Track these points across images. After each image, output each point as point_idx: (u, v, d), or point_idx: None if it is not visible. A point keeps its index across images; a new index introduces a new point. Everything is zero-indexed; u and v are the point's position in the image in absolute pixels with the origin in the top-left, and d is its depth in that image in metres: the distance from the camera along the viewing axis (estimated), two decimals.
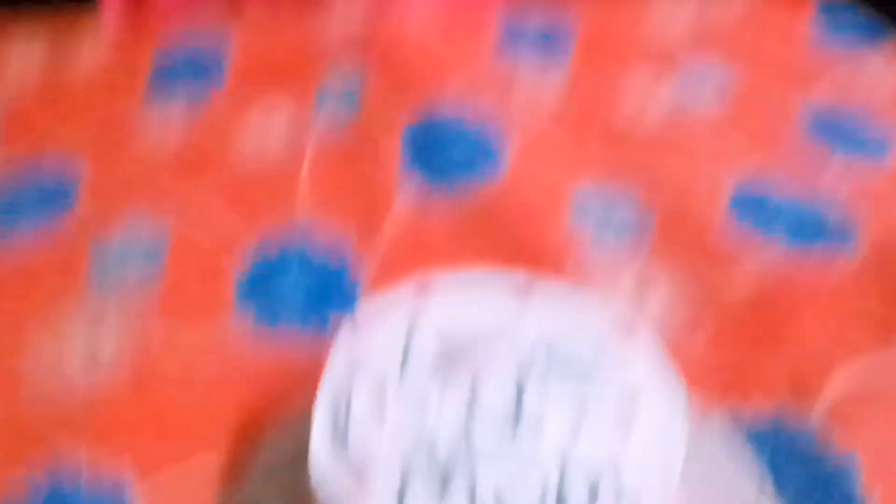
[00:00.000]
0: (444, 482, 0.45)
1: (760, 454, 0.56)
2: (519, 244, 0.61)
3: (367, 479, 0.45)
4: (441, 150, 0.77)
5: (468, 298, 0.54)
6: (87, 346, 0.63)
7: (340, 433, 0.47)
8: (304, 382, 0.58)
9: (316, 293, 0.66)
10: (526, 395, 0.48)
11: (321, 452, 0.47)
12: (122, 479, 0.55)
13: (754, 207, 0.72)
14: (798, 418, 0.57)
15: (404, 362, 0.50)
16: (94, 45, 0.91)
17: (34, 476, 0.55)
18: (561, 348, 0.51)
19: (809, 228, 0.70)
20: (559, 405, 0.48)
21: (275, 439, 0.58)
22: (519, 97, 0.84)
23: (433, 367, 0.50)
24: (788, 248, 0.69)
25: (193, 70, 0.88)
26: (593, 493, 0.44)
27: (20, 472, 0.56)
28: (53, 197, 0.74)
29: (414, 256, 0.62)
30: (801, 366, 0.60)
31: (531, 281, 0.56)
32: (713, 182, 0.74)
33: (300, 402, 0.57)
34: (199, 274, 0.68)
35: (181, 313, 0.65)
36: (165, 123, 0.82)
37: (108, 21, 0.92)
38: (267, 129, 0.81)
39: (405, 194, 0.72)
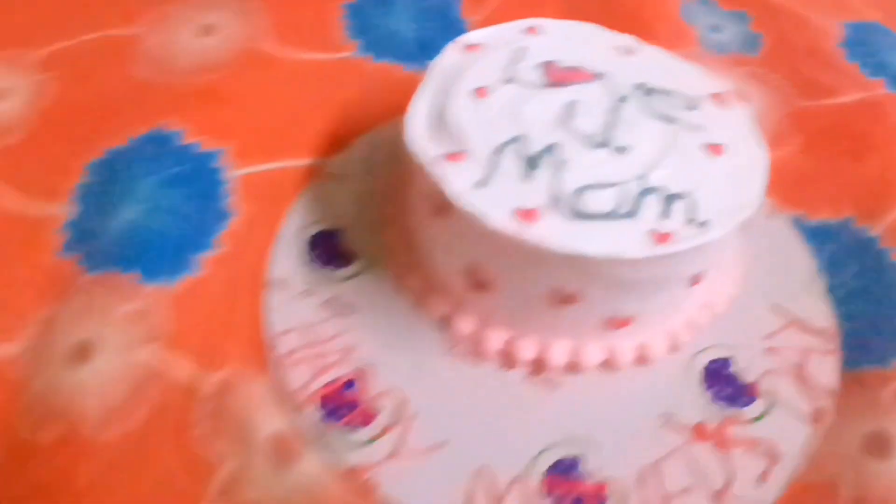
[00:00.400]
0: (530, 168, 0.47)
1: (822, 251, 0.58)
2: (630, 23, 0.62)
3: (459, 154, 0.48)
4: None
5: (574, 42, 0.56)
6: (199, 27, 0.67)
7: (437, 121, 0.50)
8: (397, 111, 0.62)
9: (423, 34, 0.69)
10: (618, 124, 0.50)
11: (417, 130, 0.50)
12: (218, 162, 0.59)
13: (864, 53, 0.72)
14: (864, 226, 0.59)
15: (506, 78, 0.53)
16: None
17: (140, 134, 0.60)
18: (657, 95, 0.53)
19: None
20: (647, 139, 0.50)
21: (361, 146, 0.62)
22: None
23: (534, 86, 0.52)
24: (888, 94, 0.69)
25: None
26: (666, 210, 0.47)
27: (126, 135, 0.60)
28: None
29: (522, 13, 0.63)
30: (877, 187, 0.61)
31: (637, 42, 0.57)
32: (827, 22, 0.74)
33: (390, 124, 0.61)
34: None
35: (292, 34, 0.68)
36: None
37: None
38: None
39: None
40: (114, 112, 0.61)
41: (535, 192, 0.46)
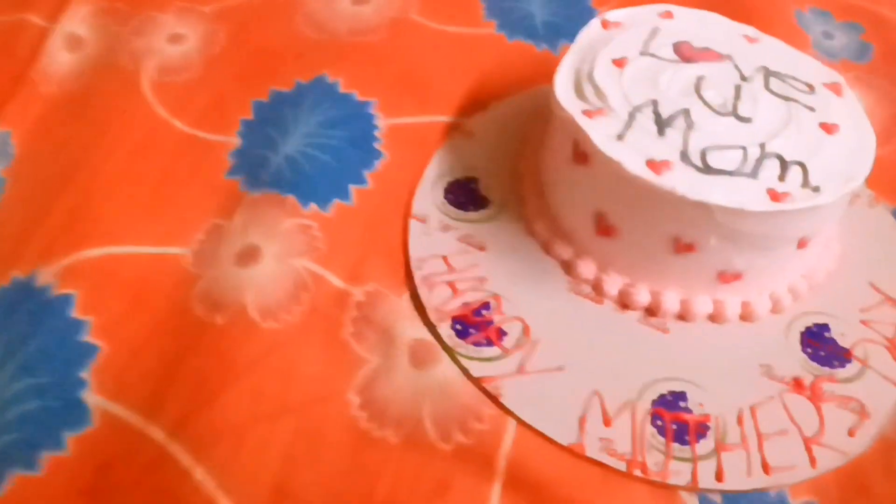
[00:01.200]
0: (663, 128, 0.53)
1: None
2: (748, 21, 0.67)
3: (600, 111, 0.54)
4: None
5: (703, 27, 0.62)
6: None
7: (580, 83, 0.56)
8: (528, 83, 0.68)
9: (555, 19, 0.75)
10: (742, 99, 0.56)
11: (563, 88, 0.56)
12: (371, 111, 0.66)
13: None
14: None
15: (642, 52, 0.59)
16: None
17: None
18: (778, 78, 0.58)
19: None
20: (768, 113, 0.55)
21: (496, 109, 0.68)
22: None
23: (667, 61, 0.58)
24: None
25: None
26: (783, 174, 0.52)
27: (292, 80, 0.67)
28: None
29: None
30: None
31: (759, 33, 0.63)
32: None
33: (524, 94, 0.67)
34: None
35: (437, 9, 0.75)
36: None
37: None
38: None
39: None
40: (279, 61, 0.69)
41: (666, 147, 0.52)
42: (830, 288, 0.59)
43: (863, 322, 0.58)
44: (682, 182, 0.50)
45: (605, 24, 0.61)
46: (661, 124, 0.53)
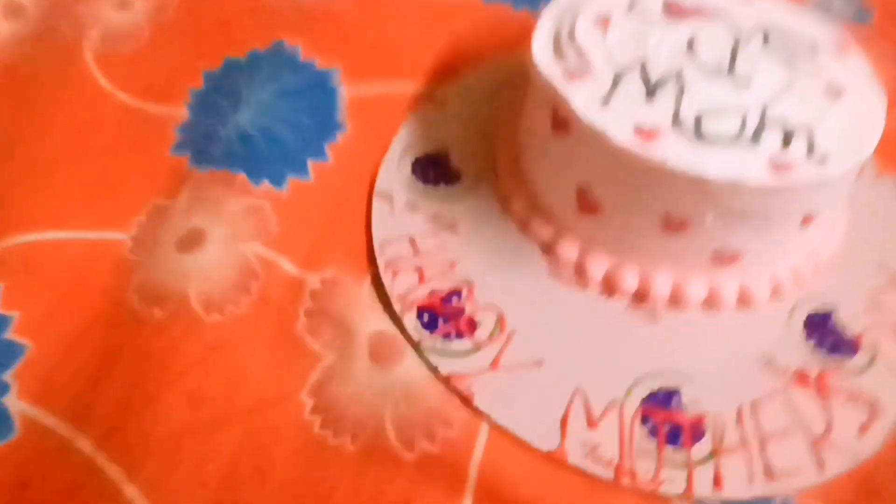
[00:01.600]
0: (652, 91, 0.47)
1: None
2: None
3: (583, 74, 0.48)
4: None
5: None
6: None
7: (561, 44, 0.50)
8: (505, 48, 0.62)
9: None
10: (739, 58, 0.50)
11: (541, 50, 0.50)
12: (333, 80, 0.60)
13: None
14: None
15: (629, 10, 0.53)
16: None
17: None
18: (779, 36, 0.52)
19: None
20: (768, 75, 0.49)
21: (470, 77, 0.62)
22: None
23: (655, 19, 0.52)
24: None
25: None
26: (787, 140, 0.46)
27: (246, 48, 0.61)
28: None
29: None
30: None
31: None
32: None
33: (499, 60, 0.61)
34: None
35: None
36: None
37: None
38: None
39: None
40: (234, 27, 0.63)
41: (656, 113, 0.46)
42: (835, 269, 0.53)
43: (872, 305, 0.52)
44: (674, 152, 0.44)
45: None
46: (651, 88, 0.48)
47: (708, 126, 0.46)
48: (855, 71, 0.51)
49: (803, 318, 0.52)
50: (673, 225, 0.47)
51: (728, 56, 0.50)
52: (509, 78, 0.59)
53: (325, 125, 0.57)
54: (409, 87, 0.61)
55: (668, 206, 0.47)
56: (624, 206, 0.48)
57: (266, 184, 0.54)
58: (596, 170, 0.48)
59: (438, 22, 0.65)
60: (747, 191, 0.45)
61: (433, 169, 0.56)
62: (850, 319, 0.51)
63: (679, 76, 0.48)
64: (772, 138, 0.46)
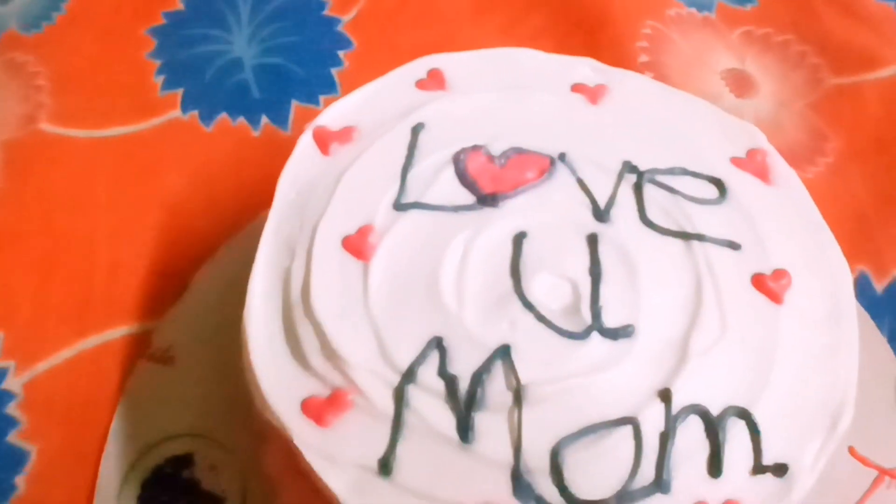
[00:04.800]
0: (466, 421, 0.26)
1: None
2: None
3: (340, 399, 0.27)
4: None
5: (501, 97, 0.34)
6: None
7: (290, 320, 0.29)
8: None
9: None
10: (604, 274, 0.29)
11: (260, 343, 0.28)
12: None
13: None
14: None
15: (399, 201, 0.31)
16: None
17: None
18: (657, 182, 0.31)
19: None
20: (657, 292, 0.29)
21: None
22: None
23: (449, 208, 0.30)
24: None
25: None
26: (716, 458, 0.26)
27: None
28: None
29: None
30: None
31: (603, 71, 0.35)
32: None
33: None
34: None
35: None
36: None
37: None
38: None
39: None
40: None
41: (479, 470, 0.26)
42: None
43: None
44: None
45: (320, 140, 0.33)
46: (462, 408, 0.27)
47: (575, 479, 0.25)
48: (789, 218, 0.31)
49: None
50: None
51: (584, 271, 0.29)
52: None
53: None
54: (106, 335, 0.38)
55: None
56: None
57: None
58: None
59: None
60: None
61: (172, 498, 0.35)
62: None
63: (507, 360, 0.27)
64: (689, 459, 0.26)
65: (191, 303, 0.40)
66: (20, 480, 0.36)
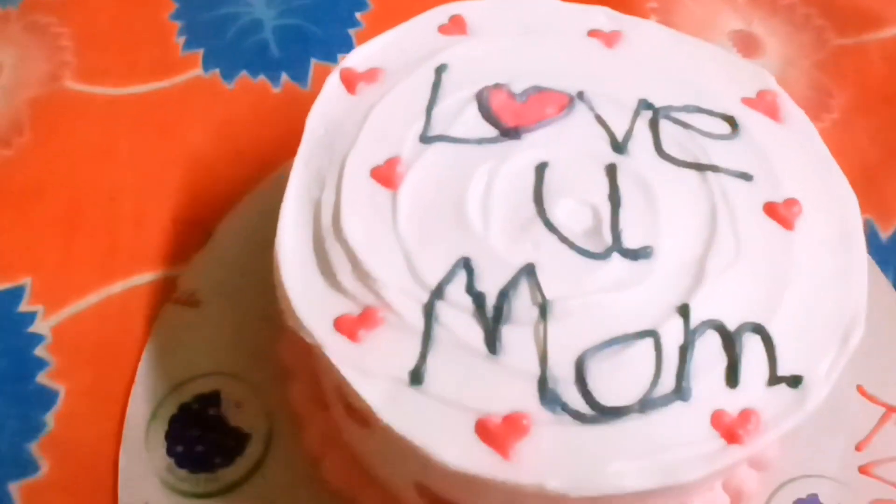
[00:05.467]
0: (494, 333, 0.27)
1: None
2: None
3: (370, 316, 0.28)
4: None
5: (519, 38, 0.35)
6: None
7: (321, 242, 0.30)
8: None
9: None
10: (623, 200, 0.30)
11: (291, 262, 0.29)
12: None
13: None
14: None
15: (426, 134, 0.32)
16: None
17: None
18: (673, 118, 0.32)
19: None
20: (674, 217, 0.30)
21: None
22: None
23: (473, 140, 0.31)
24: None
25: None
26: (734, 368, 0.27)
27: None
28: None
29: None
30: None
31: (617, 19, 0.36)
32: None
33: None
34: None
35: None
36: None
37: None
38: None
39: None
40: None
41: (508, 378, 0.27)
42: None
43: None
44: (548, 458, 0.26)
45: (347, 80, 0.34)
46: (490, 322, 0.28)
47: (599, 385, 0.27)
48: (798, 151, 0.32)
49: None
50: None
51: (605, 198, 0.30)
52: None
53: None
54: (135, 280, 0.39)
55: None
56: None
57: None
58: (433, 474, 0.28)
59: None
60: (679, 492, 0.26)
61: (201, 434, 0.36)
62: None
63: (532, 279, 0.28)
64: (708, 370, 0.27)
65: (215, 250, 0.41)
66: (49, 418, 0.37)
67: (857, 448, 0.36)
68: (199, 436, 0.36)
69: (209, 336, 0.38)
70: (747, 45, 0.47)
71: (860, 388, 0.38)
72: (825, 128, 0.44)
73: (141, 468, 0.35)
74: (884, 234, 0.42)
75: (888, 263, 0.41)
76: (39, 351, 0.38)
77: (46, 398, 0.37)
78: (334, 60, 0.47)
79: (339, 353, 0.28)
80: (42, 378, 0.38)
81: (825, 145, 0.33)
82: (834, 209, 0.31)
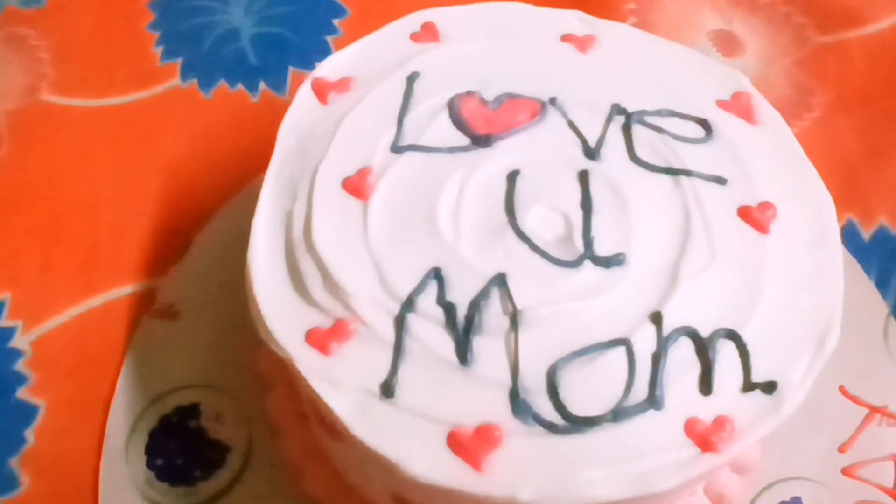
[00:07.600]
0: (465, 342, 0.27)
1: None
2: None
3: (342, 329, 0.28)
4: None
5: (490, 44, 0.35)
6: None
7: (293, 256, 0.30)
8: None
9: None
10: (595, 206, 0.30)
11: (263, 277, 0.29)
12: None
13: None
14: None
15: (397, 144, 0.32)
16: None
17: None
18: (645, 123, 0.32)
19: None
20: (646, 224, 0.30)
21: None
22: None
23: (444, 149, 0.31)
24: None
25: None
26: (707, 374, 0.27)
27: None
28: None
29: None
30: None
31: (590, 22, 0.36)
32: None
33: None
34: None
35: None
36: None
37: None
38: None
39: None
40: None
41: (478, 391, 0.27)
42: None
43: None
44: (527, 475, 0.25)
45: (319, 90, 0.34)
46: (461, 333, 0.28)
47: (571, 394, 0.26)
48: (773, 155, 0.32)
49: None
50: None
51: (577, 204, 0.30)
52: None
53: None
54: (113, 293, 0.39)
55: None
56: None
57: None
58: (405, 485, 0.28)
59: None
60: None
61: (180, 447, 0.36)
62: None
63: (503, 287, 0.28)
64: (682, 376, 0.27)
65: (193, 260, 0.41)
66: (30, 433, 0.37)
67: (840, 450, 0.36)
68: (178, 448, 0.36)
69: (188, 348, 0.38)
70: (727, 44, 0.47)
71: (842, 389, 0.37)
72: (806, 126, 0.44)
73: (121, 482, 0.35)
74: (865, 233, 0.41)
75: (870, 262, 0.40)
76: (19, 366, 0.38)
77: (26, 413, 0.37)
78: (312, 68, 0.46)
79: (310, 366, 0.27)
80: (22, 393, 0.38)
81: (800, 146, 0.33)
82: (809, 211, 0.31)
